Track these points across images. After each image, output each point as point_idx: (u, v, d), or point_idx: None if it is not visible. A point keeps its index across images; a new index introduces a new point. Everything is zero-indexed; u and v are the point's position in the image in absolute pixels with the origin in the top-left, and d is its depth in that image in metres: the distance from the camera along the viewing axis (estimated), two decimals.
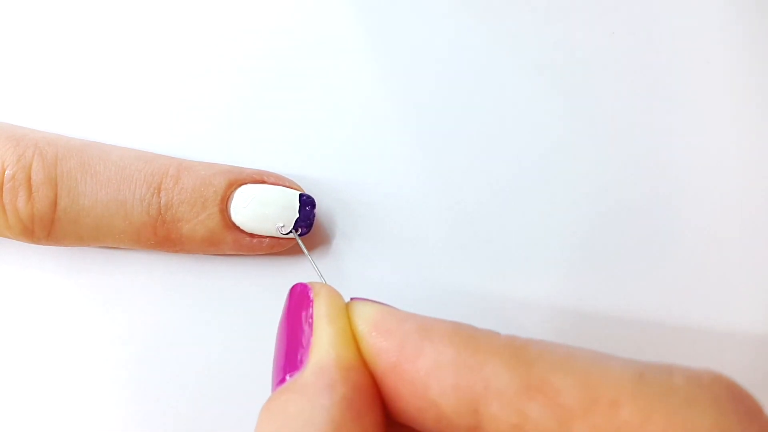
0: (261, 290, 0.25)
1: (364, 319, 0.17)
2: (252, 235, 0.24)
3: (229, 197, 0.23)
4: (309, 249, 0.25)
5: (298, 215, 0.23)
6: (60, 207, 0.22)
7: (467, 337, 0.16)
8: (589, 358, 0.15)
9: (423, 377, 0.16)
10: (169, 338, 0.25)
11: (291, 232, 0.23)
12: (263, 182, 0.24)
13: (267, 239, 0.24)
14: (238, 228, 0.23)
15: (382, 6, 0.26)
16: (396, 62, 0.26)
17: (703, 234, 0.25)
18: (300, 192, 0.24)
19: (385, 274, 0.25)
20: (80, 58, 0.26)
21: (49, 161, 0.22)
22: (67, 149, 0.23)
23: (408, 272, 0.25)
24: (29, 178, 0.22)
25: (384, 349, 0.16)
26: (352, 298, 0.18)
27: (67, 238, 0.23)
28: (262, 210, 0.23)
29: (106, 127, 0.25)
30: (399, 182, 0.25)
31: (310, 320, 0.17)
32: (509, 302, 0.25)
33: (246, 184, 0.23)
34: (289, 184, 0.24)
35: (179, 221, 0.23)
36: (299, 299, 0.18)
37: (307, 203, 0.24)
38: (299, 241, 0.23)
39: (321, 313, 0.17)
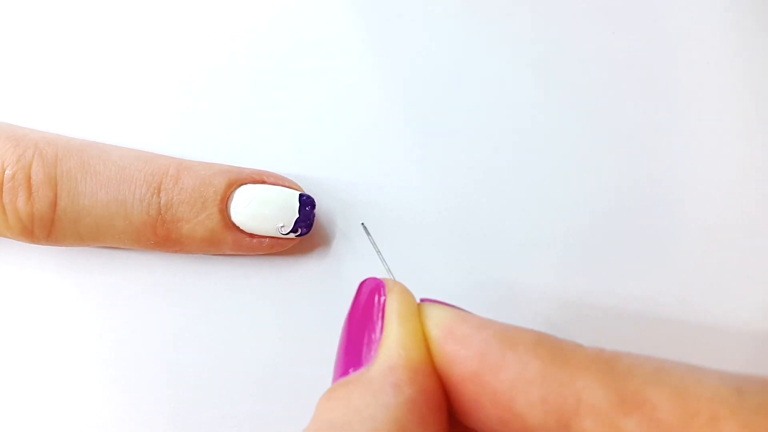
0: (261, 290, 0.25)
1: (437, 324, 0.17)
2: (252, 235, 0.24)
3: (229, 197, 0.23)
4: (309, 250, 0.25)
5: (297, 215, 0.23)
6: (60, 207, 0.22)
7: (553, 349, 0.16)
8: (683, 370, 0.15)
9: (508, 389, 0.15)
10: (169, 338, 0.25)
11: (362, 224, 0.23)
12: (263, 182, 0.24)
13: (267, 239, 0.24)
14: (238, 228, 0.23)
15: (382, 6, 0.26)
16: (396, 62, 0.26)
17: (702, 233, 0.25)
18: (300, 192, 0.24)
19: (385, 275, 0.25)
20: (80, 58, 0.26)
21: (49, 161, 0.22)
22: (67, 149, 0.23)
23: (408, 273, 0.25)
24: (29, 178, 0.22)
25: (463, 356, 0.16)
26: (422, 299, 0.18)
27: (67, 238, 0.23)
28: (262, 210, 0.23)
29: (106, 127, 0.25)
30: (399, 182, 0.25)
31: (381, 317, 0.17)
32: (510, 302, 0.25)
33: (246, 184, 0.23)
34: (289, 184, 0.24)
35: (179, 221, 0.23)
36: (371, 295, 0.18)
37: (307, 203, 0.24)
38: (369, 235, 0.23)
39: (392, 311, 0.17)
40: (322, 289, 0.25)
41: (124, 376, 0.25)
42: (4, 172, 0.22)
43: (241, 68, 0.26)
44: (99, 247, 0.25)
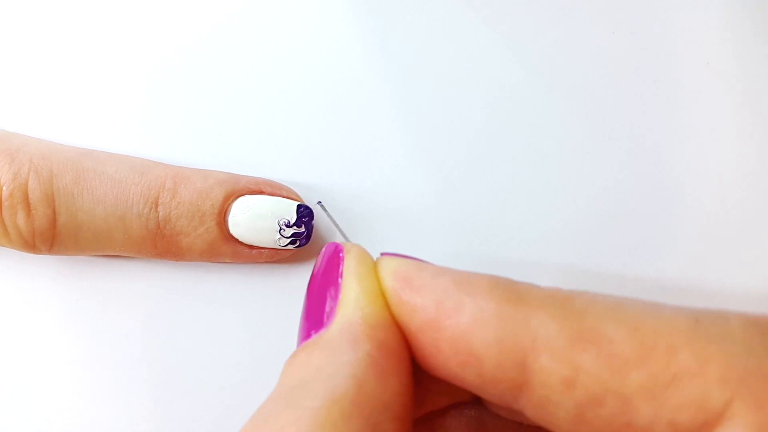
0: (261, 296, 0.25)
1: (393, 275, 0.16)
2: (251, 247, 0.24)
3: (226, 210, 0.23)
4: (308, 257, 0.25)
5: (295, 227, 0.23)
6: (59, 223, 0.23)
7: (508, 290, 0.16)
8: (639, 306, 0.15)
9: (465, 333, 0.15)
10: (168, 343, 0.25)
11: (318, 203, 0.23)
12: (261, 192, 0.24)
13: (266, 250, 0.24)
14: (236, 240, 0.23)
15: (381, 8, 0.26)
16: (395, 65, 0.26)
17: (702, 233, 0.25)
18: (298, 202, 0.24)
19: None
20: (76, 62, 0.26)
21: (44, 178, 0.22)
22: (62, 163, 0.23)
23: None
24: (26, 196, 0.22)
25: (420, 305, 0.16)
26: (381, 254, 0.18)
27: (69, 249, 0.23)
28: (260, 222, 0.23)
29: (101, 132, 0.25)
30: (399, 188, 0.25)
31: (340, 279, 0.17)
32: None
33: (243, 195, 0.23)
34: (287, 194, 0.24)
35: (178, 235, 0.23)
36: (330, 258, 0.18)
37: (304, 215, 0.23)
38: (325, 210, 0.23)
39: (350, 271, 0.17)
40: None
41: (122, 380, 0.25)
42: (2, 190, 0.22)
43: (239, 72, 0.26)
44: (101, 256, 0.25)
